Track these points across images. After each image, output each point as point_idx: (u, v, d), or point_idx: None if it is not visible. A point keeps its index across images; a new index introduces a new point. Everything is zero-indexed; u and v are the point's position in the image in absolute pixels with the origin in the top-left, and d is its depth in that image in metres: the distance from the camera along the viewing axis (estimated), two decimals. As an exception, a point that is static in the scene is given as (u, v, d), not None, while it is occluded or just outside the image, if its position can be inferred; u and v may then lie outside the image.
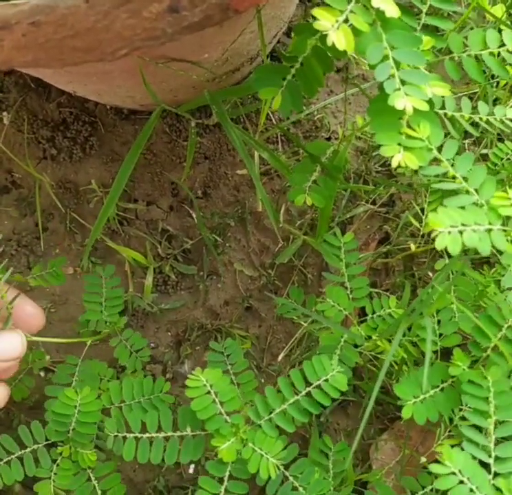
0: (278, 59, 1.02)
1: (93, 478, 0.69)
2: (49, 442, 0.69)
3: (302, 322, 0.83)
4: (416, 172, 0.87)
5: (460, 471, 0.56)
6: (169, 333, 1.00)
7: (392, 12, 0.53)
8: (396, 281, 0.97)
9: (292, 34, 1.01)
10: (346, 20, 0.52)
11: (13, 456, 0.69)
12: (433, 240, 0.94)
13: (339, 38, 0.51)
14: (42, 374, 0.96)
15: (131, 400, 0.71)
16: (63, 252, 1.01)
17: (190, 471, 0.96)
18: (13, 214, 1.01)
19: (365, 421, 0.55)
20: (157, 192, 1.00)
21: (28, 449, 0.69)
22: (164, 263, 0.99)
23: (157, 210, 1.00)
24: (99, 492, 0.68)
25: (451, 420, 0.70)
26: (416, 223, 0.76)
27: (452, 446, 0.60)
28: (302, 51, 0.60)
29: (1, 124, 1.01)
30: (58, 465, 0.69)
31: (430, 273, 0.96)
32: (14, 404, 0.95)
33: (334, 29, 0.51)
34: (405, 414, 0.58)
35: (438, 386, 0.60)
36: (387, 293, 0.96)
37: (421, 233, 0.77)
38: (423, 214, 0.81)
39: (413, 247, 0.75)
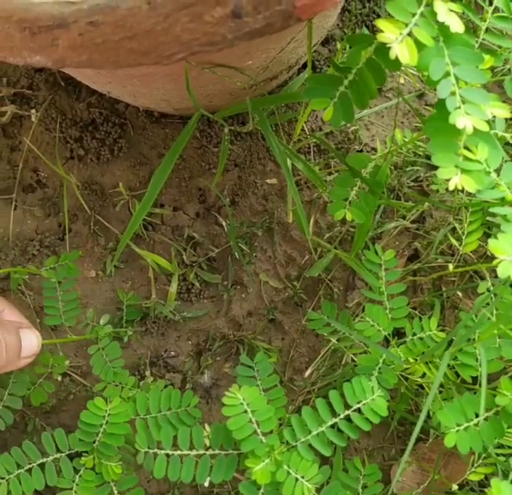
0: (313, 68, 1.00)
1: (115, 492, 0.66)
2: (72, 451, 0.67)
3: (331, 338, 0.81)
4: (457, 192, 0.85)
5: (510, 506, 0.53)
6: (190, 342, 0.98)
7: (457, 27, 0.51)
8: (424, 300, 0.95)
9: (331, 42, 1.00)
10: (410, 34, 0.50)
11: (34, 464, 0.66)
12: (466, 261, 0.92)
13: (403, 51, 0.49)
14: (59, 378, 0.94)
15: (157, 412, 0.69)
16: (86, 255, 0.99)
17: (206, 484, 0.93)
18: (37, 213, 0.99)
19: (411, 444, 0.53)
20: (184, 198, 0.98)
21: (50, 458, 0.67)
22: (188, 271, 0.97)
23: (184, 216, 0.98)
24: None
25: (484, 448, 0.68)
26: (454, 243, 0.74)
27: (489, 474, 0.57)
28: (356, 62, 0.58)
29: (29, 121, 0.99)
30: (80, 476, 0.66)
31: (459, 293, 0.94)
32: (29, 408, 0.93)
33: (398, 42, 0.49)
34: (448, 442, 0.56)
35: (481, 415, 0.58)
36: (416, 312, 0.94)
37: (460, 253, 0.75)
38: (458, 233, 0.79)
39: (450, 267, 0.73)
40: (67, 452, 0.67)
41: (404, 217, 0.97)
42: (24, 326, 0.72)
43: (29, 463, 0.67)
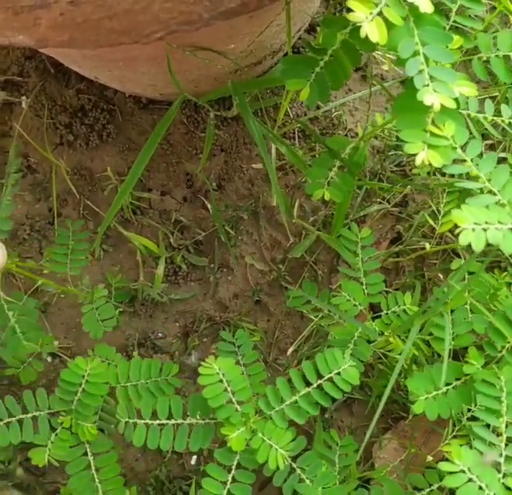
0: (299, 54, 1.02)
1: (89, 453, 0.68)
2: (52, 412, 0.68)
3: (312, 317, 0.83)
4: (432, 173, 0.87)
5: (469, 469, 0.55)
6: (177, 324, 1.00)
7: (426, 7, 0.53)
8: (406, 281, 0.97)
9: (317, 29, 1.01)
10: (380, 13, 0.52)
11: (13, 419, 0.68)
12: (446, 242, 0.95)
13: (372, 30, 0.51)
14: (49, 359, 0.96)
15: (137, 381, 0.71)
16: (75, 238, 1.01)
17: (192, 462, 0.96)
18: (27, 198, 1.01)
19: (376, 418, 0.55)
20: (172, 183, 1.00)
21: (29, 415, 0.68)
22: (175, 254, 0.99)
23: (171, 200, 1.00)
24: (93, 468, 0.67)
25: (459, 421, 0.70)
26: (432, 223, 0.77)
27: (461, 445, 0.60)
28: (331, 43, 0.60)
29: (20, 108, 1.01)
30: (57, 435, 0.68)
31: (440, 275, 0.97)
32: (19, 389, 0.95)
33: (368, 21, 0.51)
34: (417, 409, 0.58)
35: (450, 384, 0.61)
36: (399, 293, 0.96)
37: (437, 233, 0.77)
38: (439, 215, 0.81)
39: (427, 246, 0.75)
40: (47, 411, 0.68)
41: (388, 201, 0.99)
42: None
43: (10, 418, 0.68)
